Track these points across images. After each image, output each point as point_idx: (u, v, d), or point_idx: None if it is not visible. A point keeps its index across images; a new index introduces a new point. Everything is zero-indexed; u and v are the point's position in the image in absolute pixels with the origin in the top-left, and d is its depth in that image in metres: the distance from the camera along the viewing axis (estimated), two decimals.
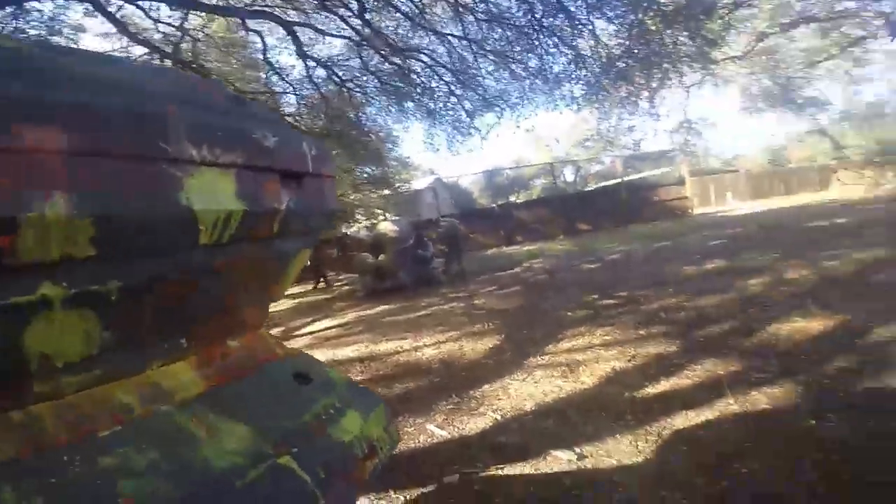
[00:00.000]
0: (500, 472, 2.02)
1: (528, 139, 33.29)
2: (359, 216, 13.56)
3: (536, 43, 7.95)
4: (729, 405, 2.37)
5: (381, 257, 8.92)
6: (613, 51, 8.55)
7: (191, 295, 0.83)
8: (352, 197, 11.75)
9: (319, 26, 7.66)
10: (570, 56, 8.27)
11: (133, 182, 0.64)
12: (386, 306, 7.10)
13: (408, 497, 1.93)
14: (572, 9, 7.39)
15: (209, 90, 0.90)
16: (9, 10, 5.51)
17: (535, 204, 18.72)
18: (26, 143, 0.54)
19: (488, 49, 8.23)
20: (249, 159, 0.81)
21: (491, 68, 8.97)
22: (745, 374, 2.72)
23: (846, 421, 2.02)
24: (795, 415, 2.17)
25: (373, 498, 1.92)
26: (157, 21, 6.78)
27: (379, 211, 13.03)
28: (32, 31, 6.11)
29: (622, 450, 2.07)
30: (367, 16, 7.25)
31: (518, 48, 8.21)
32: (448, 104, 9.24)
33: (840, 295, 3.95)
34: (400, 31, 8.19)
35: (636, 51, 8.35)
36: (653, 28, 7.79)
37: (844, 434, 1.91)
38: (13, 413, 0.68)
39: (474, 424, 2.57)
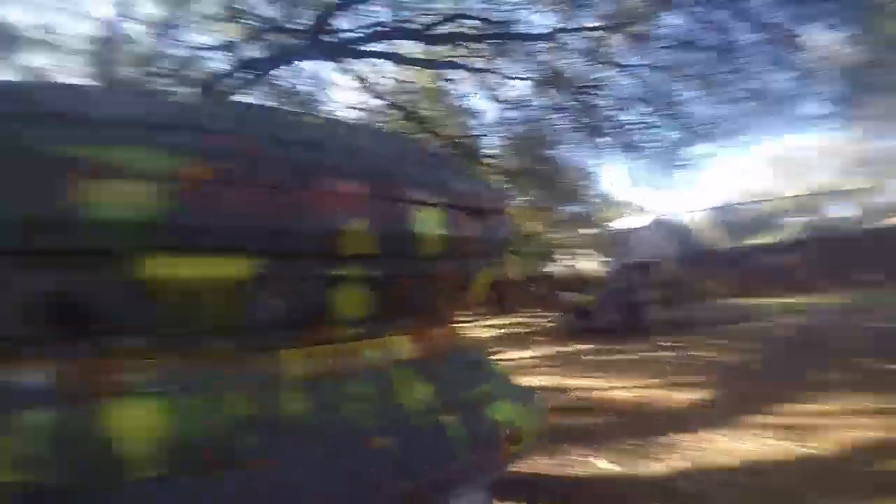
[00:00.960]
0: None
1: (776, 166, 27.15)
2: (563, 255, 13.66)
3: (742, 62, 6.87)
4: None
5: (587, 297, 8.82)
6: (850, 58, 6.65)
7: (415, 289, 1.29)
8: (551, 235, 12.00)
9: (504, 71, 8.48)
10: (792, 72, 6.82)
11: (389, 214, 1.14)
12: (584, 346, 6.98)
13: None
14: (774, 21, 6.20)
15: (419, 149, 1.40)
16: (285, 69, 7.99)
17: (791, 247, 15.06)
18: (337, 189, 1.08)
19: (683, 75, 7.50)
20: (450, 200, 1.25)
21: (692, 94, 8.07)
22: None
23: None
24: None
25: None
26: (382, 76, 8.69)
27: (583, 250, 12.88)
28: (302, 87, 8.76)
29: None
30: (542, 57, 7.67)
31: (721, 70, 7.23)
32: (646, 136, 8.68)
33: None
34: (580, 67, 8.31)
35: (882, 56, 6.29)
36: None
37: None
38: (316, 347, 1.25)
39: (648, 468, 2.43)
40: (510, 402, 1.34)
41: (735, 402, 3.39)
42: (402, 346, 1.36)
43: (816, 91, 7.50)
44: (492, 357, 1.51)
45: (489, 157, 10.17)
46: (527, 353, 6.90)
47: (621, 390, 4.09)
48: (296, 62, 7.69)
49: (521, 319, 13.29)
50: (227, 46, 6.91)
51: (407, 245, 1.21)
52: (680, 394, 3.79)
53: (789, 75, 7.26)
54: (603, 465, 2.54)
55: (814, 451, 2.38)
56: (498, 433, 1.25)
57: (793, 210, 23.83)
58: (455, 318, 1.52)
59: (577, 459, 2.66)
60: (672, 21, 7.26)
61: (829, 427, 2.66)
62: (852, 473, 2.08)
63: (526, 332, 9.97)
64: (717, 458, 2.46)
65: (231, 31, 7.27)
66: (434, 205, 1.23)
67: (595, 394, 4.07)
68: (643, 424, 3.12)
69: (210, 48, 7.16)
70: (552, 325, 10.35)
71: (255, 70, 6.22)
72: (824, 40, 6.88)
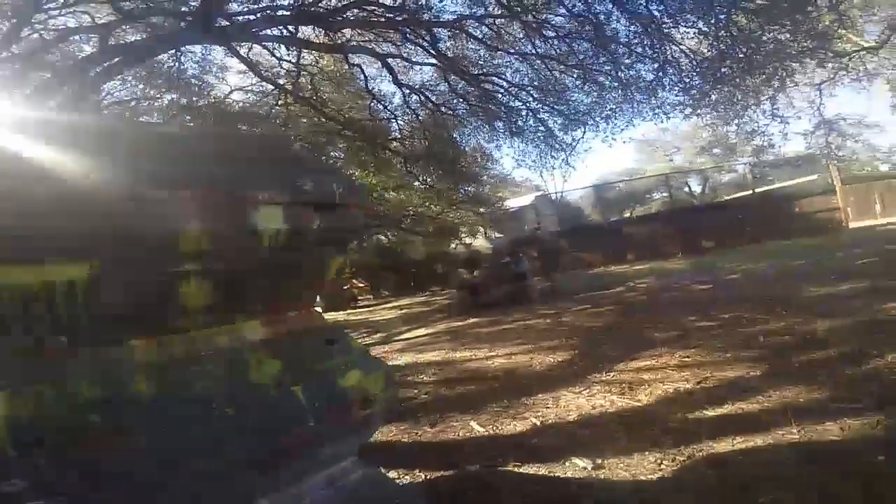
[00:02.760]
0: (516, 468, 2.22)
1: (645, 149, 31.01)
2: (462, 234, 14.26)
3: (619, 54, 7.79)
4: (788, 434, 2.21)
5: (476, 273, 9.39)
6: (706, 53, 7.92)
7: (260, 279, 1.33)
8: (451, 216, 12.48)
9: (411, 56, 8.57)
10: (658, 63, 7.90)
11: (228, 215, 1.17)
12: (475, 319, 7.49)
13: (429, 476, 2.24)
14: (644, 16, 7.15)
15: (273, 153, 1.42)
16: (171, 52, 7.26)
17: (651, 219, 17.49)
18: (174, 196, 1.08)
19: (569, 64, 8.27)
20: (294, 198, 1.30)
21: (576, 83, 8.94)
22: (828, 405, 2.47)
23: None
24: (865, 449, 1.97)
25: (401, 472, 2.28)
26: (280, 59, 8.27)
27: (479, 229, 13.60)
28: (191, 71, 8.02)
29: (643, 465, 2.11)
30: (443, 45, 7.96)
31: (600, 60, 8.11)
32: (535, 121, 9.41)
33: None
34: (480, 54, 8.72)
35: (733, 51, 7.62)
36: (747, 28, 7.10)
37: None
38: (170, 336, 1.24)
39: (513, 427, 2.78)
40: (361, 372, 1.47)
41: (586, 363, 3.96)
42: (256, 329, 1.41)
43: (677, 80, 8.58)
44: (348, 335, 1.61)
45: (393, 140, 10.17)
46: (422, 331, 7.20)
47: (499, 359, 4.52)
48: (183, 47, 6.86)
49: (424, 299, 13.69)
50: (101, 29, 5.90)
51: (246, 241, 1.26)
52: (546, 357, 4.32)
53: (654, 66, 8.27)
54: (477, 427, 2.83)
55: (639, 404, 2.90)
56: (347, 398, 1.38)
57: (655, 186, 27.58)
58: (312, 302, 1.59)
59: (457, 425, 2.93)
60: (561, 12, 7.75)
61: (653, 381, 3.25)
62: (663, 420, 2.59)
63: (426, 311, 10.32)
64: (566, 414, 2.88)
65: (106, 13, 6.22)
66: (276, 203, 1.28)
67: (476, 364, 4.45)
68: (512, 388, 3.51)
69: (81, 31, 6.04)
70: (449, 302, 10.87)
71: (133, 55, 5.37)
72: (689, 34, 7.86)
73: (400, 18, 7.20)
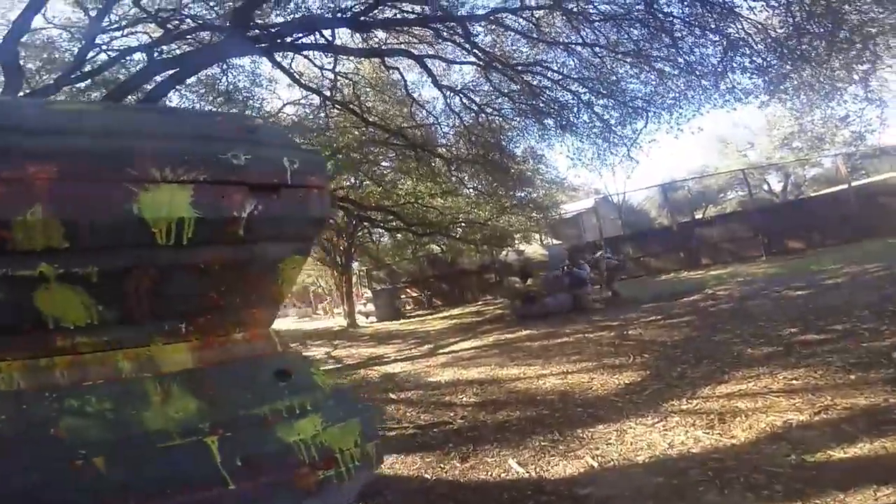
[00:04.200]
0: None
1: (715, 145, 28.38)
2: (516, 241, 13.64)
3: (677, 37, 6.89)
4: None
5: (530, 282, 8.75)
6: (780, 30, 6.79)
7: (168, 287, 0.95)
8: (501, 222, 11.90)
9: (447, 55, 8.20)
10: (723, 45, 6.90)
11: (90, 197, 0.80)
12: (528, 332, 6.87)
13: None
14: None
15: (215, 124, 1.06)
16: (219, 66, 7.42)
17: (727, 219, 15.70)
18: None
19: (620, 52, 7.47)
20: (212, 176, 0.91)
21: (631, 71, 8.07)
22: None
23: None
24: None
25: None
26: (321, 68, 8.24)
27: (534, 235, 12.90)
28: (241, 84, 8.25)
29: None
30: (479, 39, 7.49)
31: (655, 46, 7.24)
32: (589, 115, 8.62)
33: None
34: (521, 48, 8.14)
35: (811, 25, 6.44)
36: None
37: None
38: (41, 359, 0.90)
39: (562, 468, 2.22)
40: (322, 418, 1.04)
41: (661, 386, 3.28)
42: (173, 355, 1.03)
43: (743, 63, 7.54)
44: (310, 363, 1.20)
45: (442, 146, 9.91)
46: (470, 343, 6.71)
47: (551, 378, 3.93)
48: (226, 59, 7.09)
49: (476, 308, 13.19)
50: (149, 47, 6.25)
51: (129, 233, 0.90)
52: (608, 378, 3.66)
53: (719, 48, 7.30)
54: (516, 467, 2.31)
55: (735, 441, 2.23)
56: (290, 458, 0.96)
57: (729, 185, 25.09)
58: (263, 320, 1.19)
59: (492, 461, 2.43)
60: None
61: (752, 411, 2.54)
62: (769, 465, 1.93)
63: (476, 322, 9.82)
64: (635, 453, 2.28)
65: (153, 32, 6.62)
66: (179, 182, 0.90)
67: (524, 384, 3.89)
68: (566, 416, 2.93)
69: (130, 50, 6.45)
70: (503, 312, 10.28)
71: (179, 68, 5.57)
72: (758, 10, 6.89)
73: (431, 14, 6.89)
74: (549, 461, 2.33)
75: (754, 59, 7.24)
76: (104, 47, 6.51)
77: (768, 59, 7.21)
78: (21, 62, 4.76)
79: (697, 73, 7.54)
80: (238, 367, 1.05)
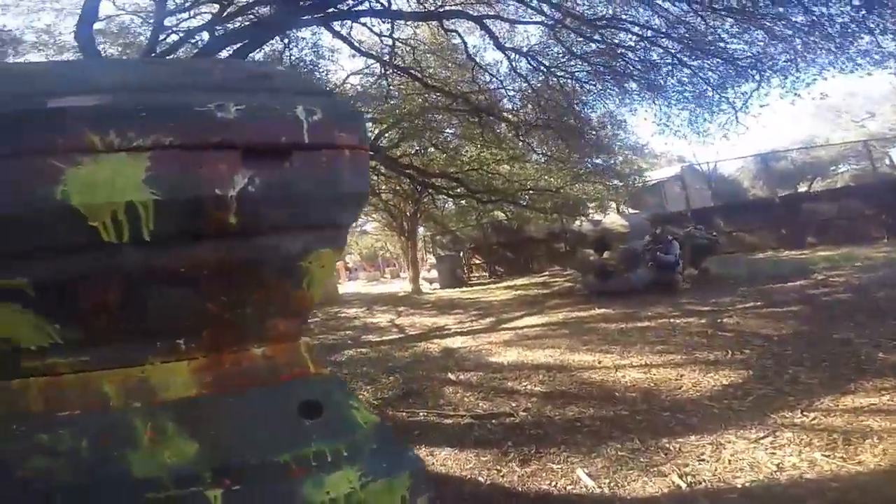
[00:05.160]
0: None
1: (823, 114, 24.30)
2: (590, 210, 12.77)
3: None
4: None
5: (606, 254, 8.08)
6: None
7: (144, 298, 0.73)
8: (574, 189, 11.09)
9: (510, 16, 7.46)
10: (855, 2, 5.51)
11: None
12: (603, 310, 6.33)
13: None
14: None
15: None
16: (282, 41, 7.33)
17: (842, 194, 13.40)
18: None
19: (720, 7, 6.24)
20: (183, 138, 0.64)
21: (734, 29, 6.79)
22: None
23: None
24: None
25: None
26: (380, 35, 7.84)
27: (611, 204, 11.93)
28: (307, 57, 8.13)
29: None
30: None
31: (765, 1, 5.97)
32: (681, 78, 7.49)
33: None
34: (595, 5, 7.13)
35: None
36: None
37: None
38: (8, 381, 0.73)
39: (642, 486, 1.88)
40: (361, 472, 0.79)
41: (768, 391, 2.76)
42: (171, 378, 0.83)
43: (877, 24, 6.12)
44: (347, 390, 0.95)
45: (507, 111, 9.32)
46: (536, 320, 6.35)
47: (632, 369, 3.50)
48: (284, 31, 7.00)
49: (543, 280, 12.68)
50: (210, 24, 6.33)
51: (57, 230, 0.65)
52: (701, 376, 3.16)
53: (852, 6, 5.95)
54: (586, 478, 2.00)
55: (862, 469, 1.76)
56: None
57: (843, 157, 21.51)
58: (287, 333, 0.95)
59: (558, 469, 2.14)
60: None
61: (885, 432, 2.04)
62: None
63: (544, 294, 9.39)
64: (733, 475, 1.88)
65: (215, 10, 6.70)
66: (126, 150, 0.64)
67: (599, 374, 3.50)
68: (649, 420, 2.55)
69: (195, 30, 6.60)
70: (573, 286, 9.71)
71: (242, 43, 5.57)
72: None
73: None
74: (627, 475, 2.01)
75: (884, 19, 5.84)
76: (174, 29, 6.69)
77: None
78: (101, 48, 4.97)
79: (820, 32, 6.23)
80: (260, 395, 0.82)
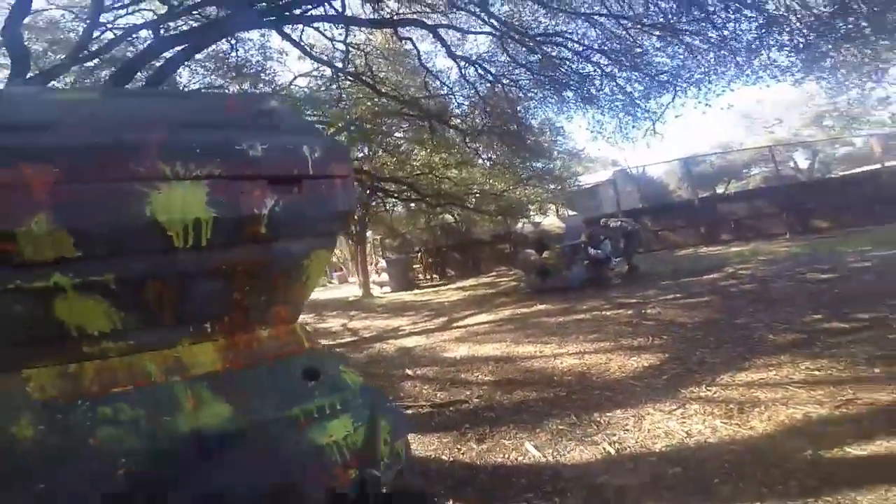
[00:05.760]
0: None
1: (739, 121, 27.29)
2: (531, 213, 13.45)
3: (710, 11, 6.49)
4: None
5: (546, 254, 8.66)
6: (823, 9, 6.36)
7: (191, 291, 0.93)
8: (517, 193, 11.71)
9: (462, 25, 7.89)
10: (759, 20, 6.49)
11: (99, 201, 0.76)
12: (544, 306, 6.85)
13: None
14: None
15: (192, 104, 1.00)
16: (228, 42, 7.26)
17: (751, 195, 15.17)
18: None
19: (647, 24, 7.06)
20: (226, 170, 0.86)
21: (657, 44, 7.67)
22: None
23: None
24: None
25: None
26: (332, 40, 8.00)
27: (550, 207, 12.69)
28: (252, 58, 8.06)
29: None
30: (496, 9, 7.17)
31: (686, 19, 6.83)
32: (611, 89, 8.29)
33: None
34: (540, 18, 7.77)
35: (856, 8, 6.01)
36: None
37: None
38: (70, 365, 0.90)
39: (579, 453, 2.23)
40: (353, 420, 1.03)
41: (680, 371, 3.24)
42: (201, 357, 1.01)
43: (781, 41, 7.18)
44: (338, 360, 1.18)
45: (456, 116, 9.67)
46: (484, 318, 6.73)
47: (569, 357, 3.92)
48: (233, 33, 6.86)
49: (490, 280, 13.20)
50: (154, 24, 6.08)
51: (144, 238, 0.86)
52: (626, 360, 3.63)
53: (753, 24, 6.93)
54: (533, 450, 2.33)
55: (753, 433, 2.20)
56: (322, 460, 0.96)
57: (754, 161, 24.21)
58: (289, 316, 1.17)
59: (509, 444, 2.45)
60: None
61: (771, 402, 2.50)
62: (786, 458, 1.91)
63: (491, 294, 9.83)
64: (652, 441, 2.27)
65: (158, 9, 6.43)
66: (190, 178, 0.86)
67: (540, 363, 3.89)
68: (582, 399, 2.94)
69: (135, 28, 6.29)
70: (517, 284, 10.26)
71: (188, 44, 5.41)
72: None
73: None
74: (566, 446, 2.35)
75: (794, 36, 6.85)
76: (109, 26, 6.39)
77: (809, 36, 6.80)
78: (27, 44, 4.68)
79: (730, 48, 7.15)
80: (271, 368, 1.03)
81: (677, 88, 8.02)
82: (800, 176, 22.63)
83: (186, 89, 7.65)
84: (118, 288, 0.82)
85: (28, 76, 4.30)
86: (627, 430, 2.43)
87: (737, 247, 11.80)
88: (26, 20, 4.73)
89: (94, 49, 5.76)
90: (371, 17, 7.46)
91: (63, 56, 5.64)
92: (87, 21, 5.58)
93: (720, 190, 22.43)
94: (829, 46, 7.01)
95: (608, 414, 2.65)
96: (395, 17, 7.32)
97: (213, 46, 7.24)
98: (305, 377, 1.05)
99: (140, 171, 0.78)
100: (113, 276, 0.80)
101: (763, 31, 6.88)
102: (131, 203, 0.77)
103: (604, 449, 2.26)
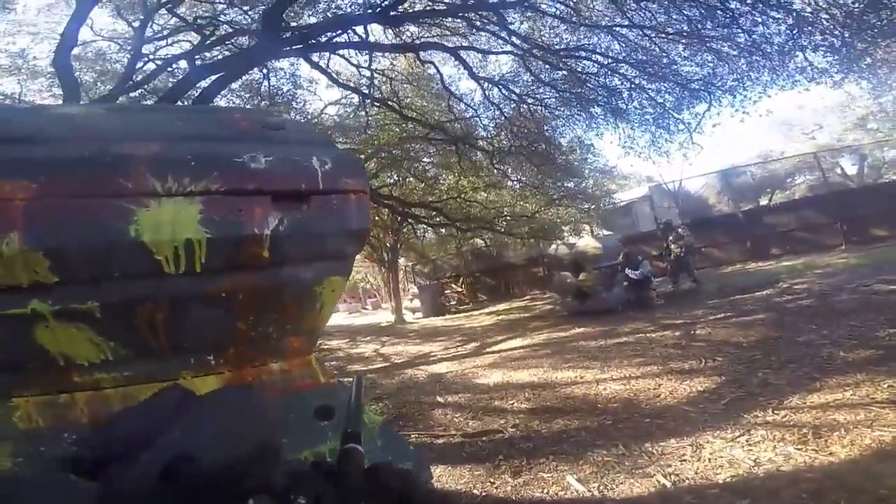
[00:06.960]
0: None
1: (777, 128, 26.04)
2: (564, 233, 13.16)
3: (735, 14, 6.25)
4: None
5: (583, 276, 8.34)
6: (850, 5, 6.00)
7: (187, 319, 0.85)
8: (549, 214, 11.48)
9: (483, 46, 7.94)
10: (788, 21, 6.18)
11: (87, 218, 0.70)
12: (582, 329, 6.53)
13: None
14: None
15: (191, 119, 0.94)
16: (261, 71, 7.54)
17: (799, 206, 14.25)
18: None
19: (671, 33, 6.85)
20: (225, 185, 0.79)
21: (684, 53, 7.45)
22: None
23: None
24: None
25: None
26: (357, 67, 8.22)
27: (584, 227, 12.36)
28: (285, 87, 8.35)
29: None
30: (515, 27, 7.15)
31: (710, 24, 6.61)
32: (640, 102, 8.06)
33: None
34: (560, 34, 7.73)
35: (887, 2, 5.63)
36: None
37: None
38: (57, 396, 0.83)
39: (629, 487, 1.99)
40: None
41: (740, 394, 2.93)
42: (206, 388, 0.94)
43: (815, 41, 6.81)
44: (358, 395, 1.07)
45: (481, 138, 9.71)
46: (519, 342, 6.47)
47: (613, 382, 3.64)
48: (262, 62, 7.24)
49: (524, 303, 12.86)
50: (190, 54, 6.52)
51: (129, 262, 0.75)
52: (678, 384, 3.33)
53: (787, 25, 6.63)
54: (576, 484, 2.11)
55: (833, 459, 1.92)
56: None
57: (797, 169, 22.93)
58: (301, 349, 1.07)
59: (548, 477, 2.24)
60: None
61: (852, 424, 2.20)
62: (876, 487, 1.63)
63: (524, 318, 9.54)
64: (714, 471, 2.01)
65: (194, 39, 6.90)
66: (182, 195, 0.78)
67: (582, 389, 3.63)
68: (631, 427, 2.68)
69: (173, 59, 6.76)
70: (553, 308, 9.92)
71: (223, 73, 5.74)
72: None
73: (462, 2, 6.65)
74: (614, 479, 2.12)
75: (827, 35, 6.50)
76: (151, 56, 6.82)
77: (843, 35, 6.44)
78: (77, 74, 5.03)
79: (762, 52, 6.86)
80: (274, 404, 0.93)
81: (711, 97, 7.72)
82: (849, 182, 21.22)
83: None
84: (104, 316, 0.75)
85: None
86: (685, 460, 2.18)
87: (788, 261, 11.02)
88: (75, 51, 5.09)
89: (138, 79, 6.15)
90: (393, 42, 7.66)
91: (111, 87, 6.01)
92: (132, 52, 5.98)
93: (764, 202, 21.29)
94: (866, 44, 6.59)
95: (661, 443, 2.39)
96: (416, 42, 7.48)
97: (247, 76, 7.60)
98: (318, 416, 0.95)
99: (125, 187, 0.71)
100: (97, 305, 0.73)
101: (794, 31, 6.56)
102: (113, 222, 0.70)
103: (658, 481, 2.02)
